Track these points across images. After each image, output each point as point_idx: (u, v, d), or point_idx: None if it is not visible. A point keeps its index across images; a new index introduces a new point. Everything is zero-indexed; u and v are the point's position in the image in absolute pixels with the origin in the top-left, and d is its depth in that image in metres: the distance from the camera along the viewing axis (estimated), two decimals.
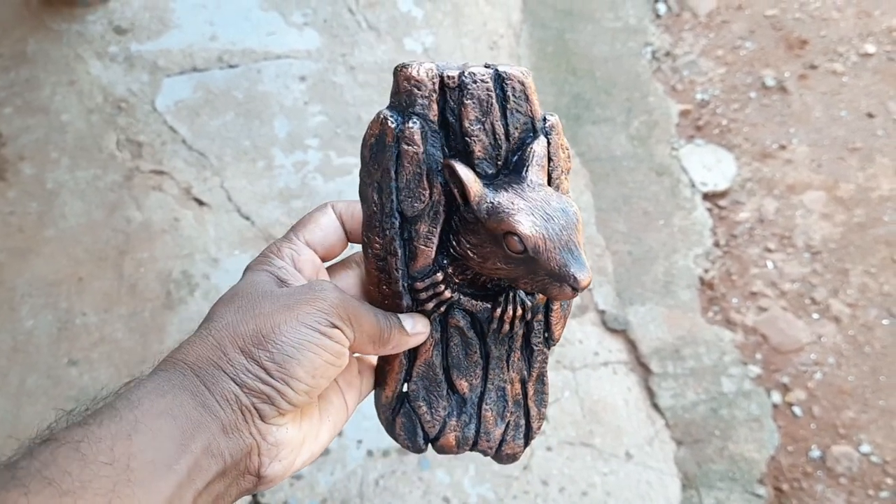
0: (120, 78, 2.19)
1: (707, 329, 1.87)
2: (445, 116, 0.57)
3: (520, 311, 0.60)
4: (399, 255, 0.58)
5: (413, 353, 0.61)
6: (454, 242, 0.57)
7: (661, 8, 2.42)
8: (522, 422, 0.65)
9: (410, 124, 0.56)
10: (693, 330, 1.87)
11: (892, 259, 1.93)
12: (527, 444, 0.66)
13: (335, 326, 0.53)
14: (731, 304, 1.91)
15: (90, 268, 1.90)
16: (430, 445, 0.65)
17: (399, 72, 0.58)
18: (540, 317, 0.62)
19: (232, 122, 2.12)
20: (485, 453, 0.65)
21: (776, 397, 1.79)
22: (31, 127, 2.10)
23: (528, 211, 0.53)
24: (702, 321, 1.89)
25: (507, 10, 2.39)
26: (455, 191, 0.56)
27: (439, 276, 0.58)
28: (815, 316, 1.88)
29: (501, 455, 0.66)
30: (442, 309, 0.60)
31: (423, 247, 0.57)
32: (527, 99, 0.59)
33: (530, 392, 0.64)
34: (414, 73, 0.57)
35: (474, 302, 0.60)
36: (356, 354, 0.61)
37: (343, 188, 2.02)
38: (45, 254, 1.92)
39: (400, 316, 0.59)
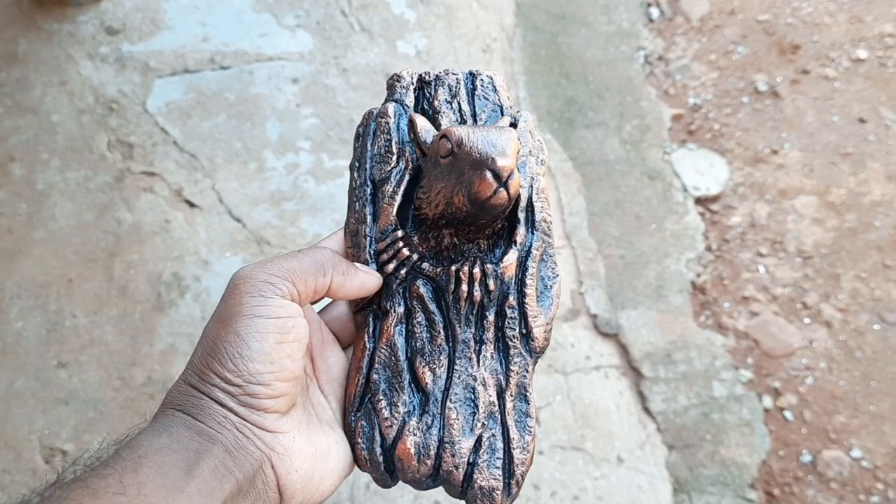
0: (111, 79, 2.18)
1: (699, 333, 1.87)
2: (422, 106, 0.64)
3: (479, 272, 0.58)
4: (368, 221, 0.60)
5: (378, 335, 0.59)
6: (415, 203, 0.60)
7: (654, 12, 2.42)
8: (500, 445, 0.57)
9: (387, 105, 0.63)
10: (685, 334, 1.87)
11: (884, 264, 1.93)
12: (508, 481, 0.57)
13: (263, 295, 0.53)
14: (723, 308, 1.91)
15: (80, 269, 1.89)
16: (387, 463, 0.58)
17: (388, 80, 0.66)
18: (512, 302, 0.59)
19: (224, 124, 2.11)
20: (450, 481, 0.57)
21: (767, 402, 1.79)
22: (21, 127, 2.09)
23: (461, 124, 0.58)
24: (693, 325, 1.89)
25: (500, 13, 2.39)
26: (414, 142, 0.60)
27: (399, 233, 0.59)
28: (807, 321, 1.89)
29: (473, 487, 0.56)
30: (403, 272, 0.59)
31: (385, 205, 0.60)
32: (494, 90, 0.64)
33: (508, 407, 0.58)
34: (398, 73, 0.65)
35: (435, 268, 0.59)
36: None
37: (335, 191, 2.01)
38: (35, 255, 1.91)
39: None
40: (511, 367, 0.58)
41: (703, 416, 1.76)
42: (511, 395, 0.58)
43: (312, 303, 0.59)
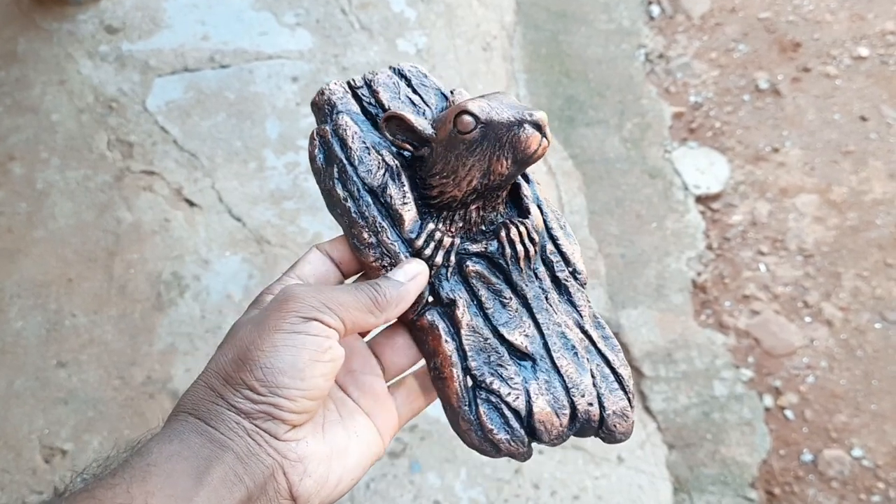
0: (111, 78, 2.18)
1: (699, 332, 1.87)
2: (367, 110, 0.63)
3: (523, 229, 0.60)
4: (386, 226, 0.58)
5: (454, 328, 0.58)
6: (426, 191, 0.59)
7: (655, 10, 2.42)
8: (607, 370, 0.60)
9: (337, 116, 0.61)
10: (685, 333, 1.86)
11: (885, 262, 1.93)
12: (629, 399, 0.60)
13: (311, 319, 0.52)
14: (724, 307, 1.91)
15: (80, 269, 1.89)
16: (530, 433, 0.57)
17: (313, 101, 0.64)
18: (551, 248, 0.62)
19: (223, 123, 2.11)
20: (590, 419, 0.58)
21: (768, 401, 1.79)
22: (20, 126, 2.09)
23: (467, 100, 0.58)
24: (694, 324, 1.88)
25: (500, 11, 2.38)
26: (403, 139, 0.59)
27: (431, 224, 0.59)
28: (808, 319, 1.88)
29: (610, 418, 0.58)
30: (452, 259, 0.59)
31: (402, 208, 0.59)
32: (426, 76, 0.66)
33: (594, 336, 0.61)
34: (324, 88, 0.64)
35: (480, 242, 0.60)
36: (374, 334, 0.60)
37: None
38: (35, 254, 1.91)
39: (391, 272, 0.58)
40: (577, 303, 0.61)
41: (704, 416, 1.76)
42: (590, 326, 0.61)
43: (365, 86, 0.61)
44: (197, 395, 0.52)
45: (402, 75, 0.65)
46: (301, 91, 2.17)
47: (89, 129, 2.09)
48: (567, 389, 0.58)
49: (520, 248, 0.60)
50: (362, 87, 0.64)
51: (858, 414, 1.76)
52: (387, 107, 0.62)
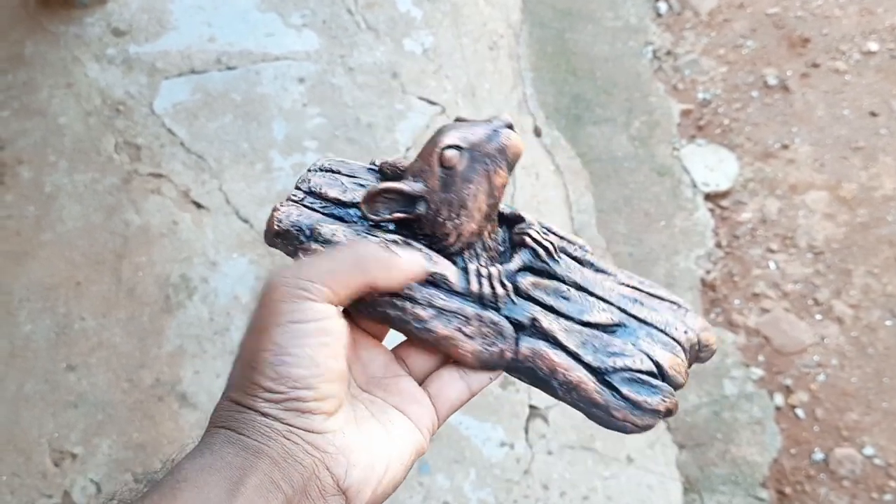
0: (118, 80, 2.18)
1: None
2: (328, 214, 0.60)
3: (537, 228, 0.61)
4: (440, 294, 0.57)
5: (552, 339, 0.58)
6: (442, 242, 0.58)
7: (662, 7, 2.41)
8: (666, 303, 0.62)
9: (318, 228, 0.58)
10: None
11: None
12: (699, 317, 0.62)
13: (300, 301, 0.51)
14: (734, 305, 1.90)
15: (88, 272, 1.89)
16: (670, 382, 0.58)
17: (273, 231, 0.60)
18: (554, 238, 0.62)
19: (230, 125, 2.11)
20: (693, 351, 0.61)
21: (779, 399, 1.78)
22: (28, 130, 2.10)
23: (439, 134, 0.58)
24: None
25: (506, 10, 2.37)
26: (395, 210, 0.58)
27: (471, 265, 0.58)
28: (818, 317, 1.87)
29: (701, 335, 0.61)
30: (508, 284, 0.58)
31: (439, 271, 0.57)
32: (343, 161, 0.64)
33: (638, 285, 0.62)
34: (274, 216, 0.59)
35: (518, 258, 0.60)
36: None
37: None
38: (43, 258, 1.91)
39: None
40: (607, 269, 0.62)
41: (714, 415, 1.75)
42: (627, 279, 0.62)
43: (358, 301, 0.56)
44: (223, 411, 0.51)
45: (329, 170, 0.63)
46: (307, 92, 2.17)
47: (97, 131, 2.10)
48: (663, 331, 0.59)
49: (547, 244, 0.60)
50: (305, 196, 0.61)
51: (870, 412, 1.75)
52: (344, 200, 0.60)
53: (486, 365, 0.58)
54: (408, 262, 0.55)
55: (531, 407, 1.74)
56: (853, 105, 2.16)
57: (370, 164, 0.64)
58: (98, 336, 1.82)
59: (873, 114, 2.14)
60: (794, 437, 1.74)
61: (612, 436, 1.72)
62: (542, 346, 0.57)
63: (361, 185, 0.61)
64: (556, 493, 1.65)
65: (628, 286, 0.61)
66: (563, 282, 0.60)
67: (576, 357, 0.57)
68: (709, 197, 2.06)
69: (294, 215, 0.58)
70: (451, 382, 0.59)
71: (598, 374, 0.57)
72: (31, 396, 1.75)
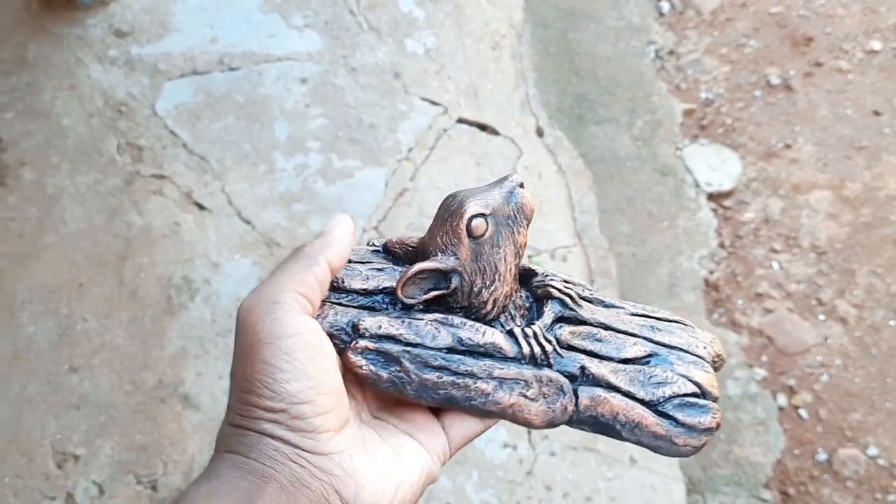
0: (120, 82, 2.18)
1: (712, 331, 1.86)
2: (360, 306, 0.59)
3: (557, 279, 0.62)
4: (496, 364, 0.57)
5: (604, 383, 0.59)
6: (480, 311, 0.59)
7: (665, 6, 2.40)
8: (675, 325, 0.64)
9: (359, 324, 0.57)
10: None
11: None
12: (706, 332, 0.66)
13: (276, 316, 0.50)
14: (737, 305, 1.90)
15: (90, 273, 1.90)
16: (711, 398, 0.60)
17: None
18: (558, 285, 0.63)
19: (233, 126, 2.11)
20: (713, 363, 0.63)
21: (782, 400, 1.77)
22: (31, 132, 2.10)
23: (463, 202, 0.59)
24: (707, 323, 1.87)
25: (508, 9, 2.37)
26: (428, 289, 0.58)
27: (516, 329, 0.58)
28: (822, 317, 1.87)
29: (713, 347, 0.64)
30: (550, 338, 0.59)
31: (488, 338, 0.58)
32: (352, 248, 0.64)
33: (646, 313, 0.64)
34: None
35: (546, 314, 0.60)
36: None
37: (344, 191, 2.01)
38: (46, 259, 1.91)
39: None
40: (615, 304, 0.64)
41: None
42: (634, 309, 0.65)
43: (329, 292, 0.56)
44: (226, 435, 0.51)
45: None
46: (310, 93, 2.17)
47: (99, 133, 2.10)
48: (689, 352, 0.61)
49: (570, 292, 0.61)
50: (330, 294, 0.60)
51: (873, 412, 1.74)
52: (369, 288, 0.59)
53: (552, 423, 0.58)
54: (337, 228, 0.56)
55: None
56: (856, 104, 2.15)
57: (370, 244, 0.63)
58: (100, 337, 1.82)
59: (877, 113, 2.13)
60: (797, 438, 1.73)
61: None
62: (599, 392, 0.58)
63: (379, 270, 0.60)
64: (559, 494, 1.65)
65: (640, 315, 0.63)
66: (592, 325, 0.61)
67: (630, 395, 0.58)
68: (712, 197, 2.06)
69: (330, 317, 0.57)
70: (466, 416, 0.59)
71: (652, 406, 0.58)
72: (34, 398, 1.75)
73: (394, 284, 0.58)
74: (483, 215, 0.57)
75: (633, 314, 0.63)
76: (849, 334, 1.84)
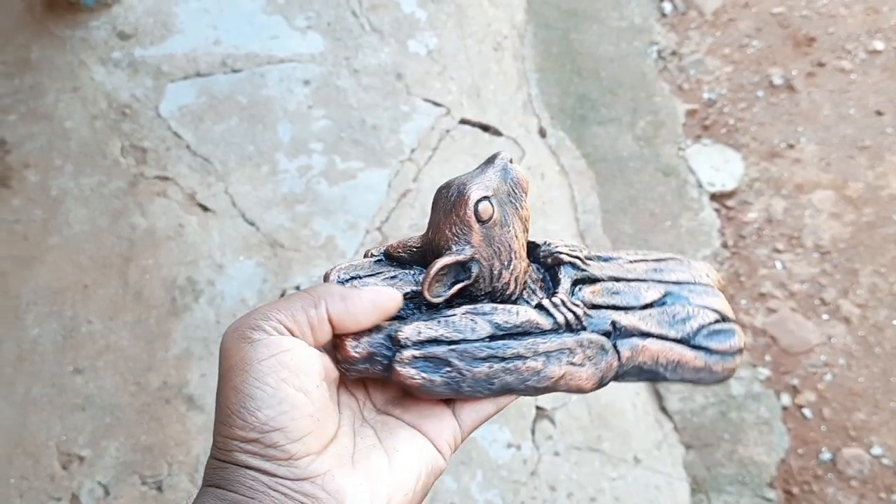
0: (124, 84, 2.19)
1: None
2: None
3: (560, 242, 0.64)
4: (538, 341, 0.57)
5: (638, 332, 0.60)
6: (504, 292, 0.59)
7: (667, 7, 2.41)
8: (675, 259, 0.67)
9: (400, 333, 0.56)
10: None
11: None
12: (700, 261, 0.68)
13: (250, 341, 0.49)
14: (740, 305, 1.90)
15: (95, 275, 1.90)
16: (733, 322, 0.63)
17: (351, 358, 0.57)
18: (564, 250, 0.64)
19: (236, 127, 2.12)
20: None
21: (786, 399, 1.77)
22: (35, 134, 2.10)
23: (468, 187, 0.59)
24: None
25: (510, 10, 2.37)
26: (453, 282, 0.57)
27: (545, 302, 0.59)
28: (825, 317, 1.87)
29: (717, 278, 0.66)
30: (580, 304, 0.59)
31: (523, 316, 0.57)
32: (353, 265, 0.63)
33: (645, 257, 0.66)
34: (348, 345, 0.56)
35: (563, 281, 0.61)
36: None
37: (347, 192, 2.01)
38: (50, 261, 1.92)
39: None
40: (614, 256, 0.66)
41: (721, 415, 1.75)
42: (634, 258, 0.67)
43: (327, 342, 0.54)
44: (209, 468, 0.50)
45: (350, 279, 0.61)
46: (312, 94, 2.17)
47: (103, 135, 2.10)
48: (697, 283, 0.63)
49: (578, 253, 0.63)
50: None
51: (877, 412, 1.74)
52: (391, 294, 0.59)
53: (601, 383, 0.59)
54: (370, 295, 0.54)
55: (538, 408, 1.74)
56: (859, 104, 2.15)
57: (368, 255, 0.62)
58: (105, 339, 1.82)
59: (879, 113, 2.13)
60: (801, 437, 1.74)
61: (619, 436, 1.71)
62: (636, 342, 0.59)
63: (392, 278, 0.59)
64: (564, 494, 1.65)
65: (639, 261, 0.64)
66: (605, 280, 0.62)
67: (663, 338, 0.60)
68: (714, 197, 2.06)
69: (364, 336, 0.56)
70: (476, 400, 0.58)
71: (685, 342, 0.60)
72: (39, 400, 1.76)
73: (413, 289, 0.58)
74: (487, 198, 0.56)
75: (631, 262, 0.64)
76: (852, 334, 1.84)
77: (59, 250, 1.93)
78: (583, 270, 0.61)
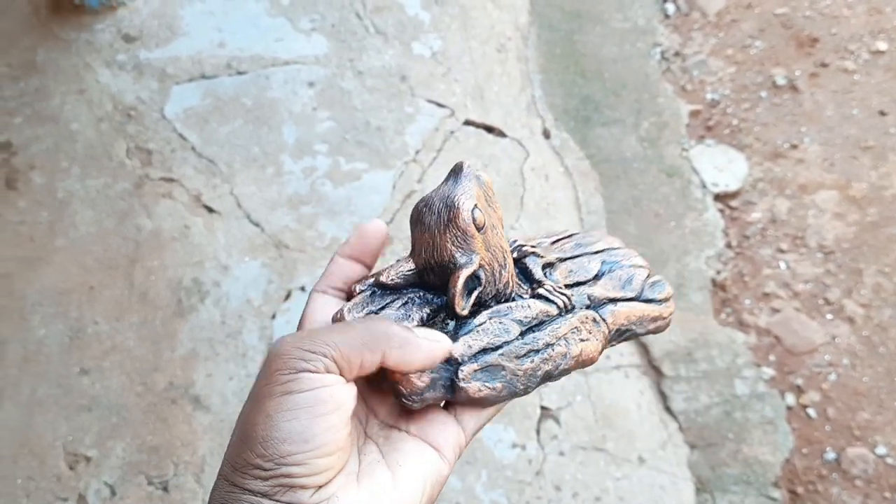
0: (129, 86, 2.19)
1: (720, 331, 1.86)
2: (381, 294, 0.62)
3: (527, 239, 0.68)
4: (558, 327, 0.61)
5: (611, 300, 0.64)
6: (507, 289, 0.61)
7: (670, 8, 2.41)
8: (573, 234, 0.71)
9: (455, 353, 0.59)
10: (705, 332, 1.86)
11: None
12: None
13: (299, 372, 0.49)
14: (744, 305, 1.90)
15: (101, 276, 1.91)
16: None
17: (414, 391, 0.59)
18: (524, 243, 0.67)
19: (241, 129, 2.12)
20: None
21: (790, 399, 1.78)
22: (41, 136, 2.11)
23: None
24: (714, 323, 1.88)
25: (514, 12, 2.38)
26: (473, 287, 0.59)
27: (541, 290, 0.62)
28: (829, 316, 1.87)
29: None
30: (562, 287, 0.63)
31: (531, 309, 0.60)
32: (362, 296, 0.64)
33: (560, 236, 0.70)
34: (412, 379, 0.57)
35: (533, 270, 0.64)
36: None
37: (352, 193, 2.02)
38: (56, 263, 1.92)
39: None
40: (544, 241, 0.71)
41: (726, 415, 1.75)
42: (554, 239, 0.71)
43: (367, 378, 0.54)
44: (217, 490, 0.50)
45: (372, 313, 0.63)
46: (317, 96, 2.18)
47: (108, 137, 2.11)
48: (614, 248, 0.68)
49: (533, 243, 0.67)
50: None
51: (882, 411, 1.75)
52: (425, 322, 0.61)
53: (601, 352, 0.63)
54: (428, 346, 0.54)
55: (543, 408, 1.74)
56: (862, 104, 2.16)
57: (358, 292, 0.62)
58: (111, 340, 1.83)
59: (882, 113, 2.13)
60: (805, 437, 1.74)
61: (623, 436, 1.72)
62: (611, 308, 0.64)
63: (405, 304, 0.60)
64: (569, 493, 1.66)
65: (559, 240, 0.69)
66: (557, 263, 0.66)
67: (625, 299, 0.65)
68: (718, 197, 2.06)
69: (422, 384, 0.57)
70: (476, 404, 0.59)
71: (639, 299, 0.65)
72: (45, 400, 1.76)
73: (430, 309, 0.59)
74: (477, 206, 0.58)
75: (553, 243, 0.68)
76: (856, 333, 1.84)
77: (65, 252, 1.94)
78: (542, 258, 0.64)
